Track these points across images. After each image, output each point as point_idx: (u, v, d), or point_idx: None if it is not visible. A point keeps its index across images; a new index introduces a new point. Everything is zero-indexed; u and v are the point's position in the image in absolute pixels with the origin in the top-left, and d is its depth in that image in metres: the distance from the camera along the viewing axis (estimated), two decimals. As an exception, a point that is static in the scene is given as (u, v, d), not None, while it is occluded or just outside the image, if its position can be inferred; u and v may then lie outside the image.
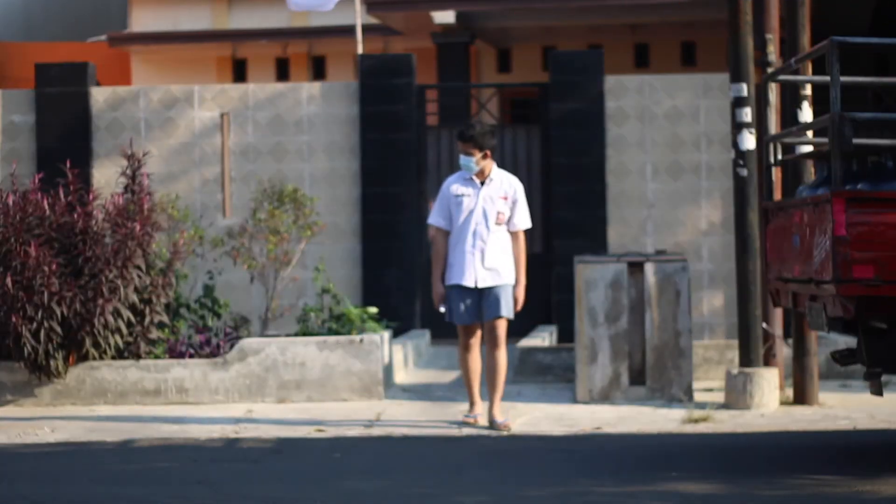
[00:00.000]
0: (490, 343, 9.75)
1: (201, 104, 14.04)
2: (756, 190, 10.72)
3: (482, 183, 9.79)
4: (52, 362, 10.81)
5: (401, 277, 13.94)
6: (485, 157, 9.73)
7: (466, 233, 9.71)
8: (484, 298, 9.71)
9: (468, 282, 9.67)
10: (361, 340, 11.20)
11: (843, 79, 7.64)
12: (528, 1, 17.04)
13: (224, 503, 7.39)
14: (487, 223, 9.72)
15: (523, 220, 9.84)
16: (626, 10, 17.58)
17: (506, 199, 9.76)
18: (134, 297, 10.96)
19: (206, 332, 11.66)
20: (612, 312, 10.87)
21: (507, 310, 9.72)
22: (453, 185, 9.84)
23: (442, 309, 9.78)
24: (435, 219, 9.85)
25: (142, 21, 21.33)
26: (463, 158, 9.76)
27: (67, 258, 10.87)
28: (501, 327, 9.75)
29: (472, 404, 9.94)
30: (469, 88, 16.87)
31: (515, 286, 9.79)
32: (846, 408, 10.44)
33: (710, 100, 13.77)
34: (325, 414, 10.51)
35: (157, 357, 11.21)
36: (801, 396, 10.63)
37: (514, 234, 9.82)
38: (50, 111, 13.97)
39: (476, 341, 9.81)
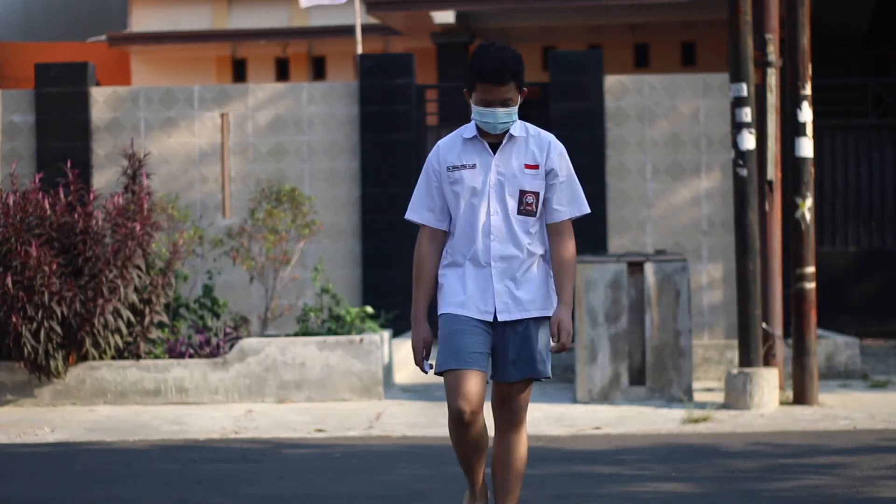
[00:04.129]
0: (502, 419, 5.83)
1: (201, 104, 14.04)
2: (756, 190, 10.72)
3: (496, 146, 5.83)
4: (52, 362, 10.81)
5: (401, 277, 13.94)
6: (522, 96, 5.84)
7: (475, 230, 5.80)
8: (503, 342, 5.79)
9: (480, 312, 5.78)
10: (361, 340, 11.19)
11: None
12: (528, 1, 17.04)
13: (224, 503, 7.39)
14: (507, 211, 5.79)
15: (572, 203, 5.86)
16: (626, 10, 17.58)
17: (536, 167, 5.80)
18: (134, 297, 10.97)
19: (206, 332, 11.67)
20: (611, 312, 10.87)
21: (544, 364, 5.81)
22: (447, 153, 5.88)
23: (429, 366, 5.82)
24: (417, 211, 5.92)
25: (142, 21, 21.33)
26: (497, 115, 5.79)
27: (67, 258, 10.87)
28: (526, 395, 5.84)
29: (471, 494, 6.03)
30: (469, 88, 16.85)
31: (558, 307, 5.77)
32: (846, 408, 10.44)
33: (710, 100, 13.77)
34: (325, 414, 10.51)
35: (156, 357, 11.21)
36: (801, 396, 10.62)
37: (555, 228, 5.84)
38: (50, 111, 13.97)
39: (477, 407, 5.69)
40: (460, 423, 5.69)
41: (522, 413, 5.82)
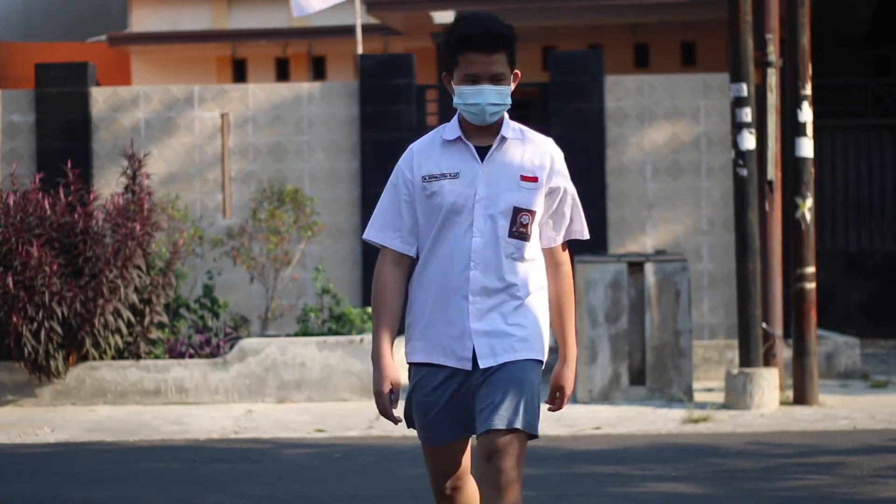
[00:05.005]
0: (489, 481, 4.58)
1: (201, 104, 14.03)
2: (756, 190, 10.72)
3: (485, 151, 4.71)
4: (52, 362, 10.81)
5: (401, 277, 13.93)
6: (514, 78, 4.75)
7: (451, 255, 4.67)
8: (486, 388, 4.63)
9: (456, 359, 4.68)
10: (361, 340, 11.19)
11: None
12: (528, 1, 17.04)
13: (224, 503, 7.39)
14: (495, 233, 4.65)
15: (574, 225, 4.82)
16: (626, 10, 17.58)
17: (534, 180, 4.69)
18: (134, 297, 10.97)
19: (206, 332, 11.67)
20: (612, 312, 10.86)
21: (528, 417, 4.61)
22: (423, 160, 4.74)
23: (398, 415, 4.78)
24: (381, 231, 4.78)
25: (142, 21, 21.33)
26: (485, 95, 4.65)
27: (68, 258, 10.87)
28: (513, 451, 4.58)
29: None
30: (469, 88, 16.82)
31: (560, 365, 4.81)
32: (846, 408, 10.44)
33: (710, 100, 13.77)
34: (325, 414, 10.51)
35: (157, 357, 11.21)
36: (801, 396, 10.62)
37: (552, 256, 4.78)
38: (50, 111, 13.97)
39: (463, 478, 4.88)
40: (444, 493, 4.88)
41: (512, 473, 4.55)
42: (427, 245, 4.71)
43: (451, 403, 4.68)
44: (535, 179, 4.69)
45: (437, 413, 4.69)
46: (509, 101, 4.68)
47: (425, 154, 4.74)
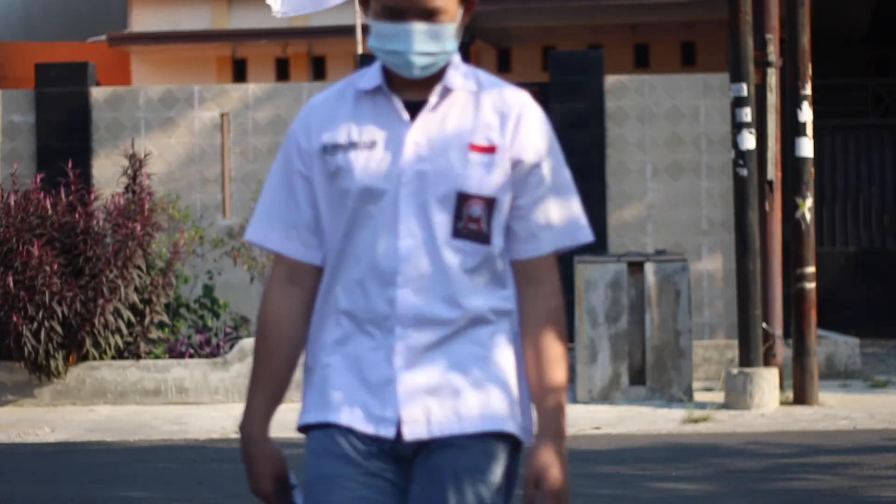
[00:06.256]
0: None
1: (201, 104, 14.04)
2: (756, 190, 10.72)
3: (419, 108, 3.05)
4: (52, 362, 10.81)
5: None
6: (468, 9, 3.13)
7: (368, 266, 3.04)
8: (417, 481, 3.05)
9: (370, 421, 3.11)
10: (361, 340, 11.19)
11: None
12: (528, 1, 17.04)
13: (224, 503, 7.39)
14: (432, 232, 3.00)
15: (562, 221, 3.08)
16: (626, 10, 17.59)
17: (491, 150, 3.00)
18: (134, 297, 10.97)
19: (206, 332, 11.66)
20: (612, 312, 10.86)
21: None
22: (323, 119, 3.08)
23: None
24: (264, 229, 3.15)
25: (142, 21, 21.34)
26: (412, 37, 2.99)
27: (68, 258, 10.87)
28: None
29: None
30: (469, 88, 16.80)
31: (540, 441, 3.02)
32: (846, 408, 10.44)
33: (710, 100, 13.78)
34: (325, 414, 10.50)
35: (157, 357, 11.21)
36: (801, 396, 10.62)
37: (526, 270, 3.07)
38: (50, 111, 13.97)
39: None
40: None
41: None
42: (334, 250, 3.09)
43: (366, 485, 3.09)
44: (491, 150, 3.02)
45: (346, 499, 3.09)
46: (453, 46, 3.06)
47: (328, 112, 3.09)
